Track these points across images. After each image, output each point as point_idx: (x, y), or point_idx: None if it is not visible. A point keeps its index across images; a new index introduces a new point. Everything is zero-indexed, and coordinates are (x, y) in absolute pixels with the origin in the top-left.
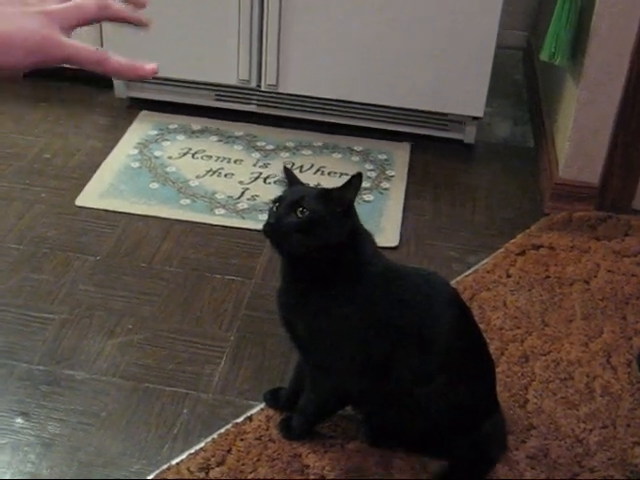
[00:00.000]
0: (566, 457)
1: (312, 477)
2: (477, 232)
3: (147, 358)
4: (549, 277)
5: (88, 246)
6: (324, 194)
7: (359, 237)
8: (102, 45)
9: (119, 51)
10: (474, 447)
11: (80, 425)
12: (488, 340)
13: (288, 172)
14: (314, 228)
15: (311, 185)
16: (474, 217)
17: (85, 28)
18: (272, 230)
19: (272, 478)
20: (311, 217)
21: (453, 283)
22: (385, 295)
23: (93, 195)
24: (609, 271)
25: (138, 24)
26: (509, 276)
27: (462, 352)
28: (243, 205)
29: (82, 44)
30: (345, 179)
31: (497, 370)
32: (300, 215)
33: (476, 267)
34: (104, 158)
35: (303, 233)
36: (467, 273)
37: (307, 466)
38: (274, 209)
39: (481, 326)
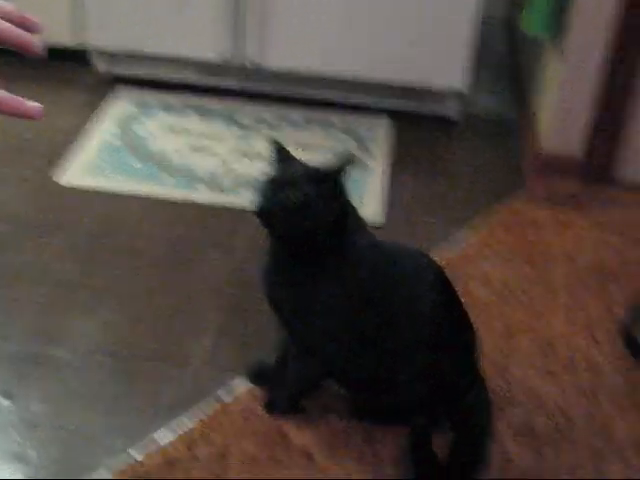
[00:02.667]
0: (549, 429)
1: (297, 452)
2: (460, 206)
3: (129, 335)
4: (532, 251)
5: (68, 224)
6: (315, 174)
7: (347, 215)
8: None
9: (99, 22)
10: (462, 421)
11: (63, 404)
12: (472, 315)
13: (277, 146)
14: (305, 210)
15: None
16: (456, 191)
17: None
18: (263, 212)
19: (256, 453)
20: (303, 199)
21: (437, 259)
22: (371, 272)
23: (73, 173)
24: (592, 244)
25: (26, 50)
26: (492, 250)
27: (446, 327)
28: (224, 181)
29: None
30: (326, 154)
31: (480, 343)
32: (292, 197)
33: (459, 242)
34: (84, 135)
35: (295, 215)
36: (450, 247)
37: (292, 441)
38: (265, 189)
39: (464, 300)
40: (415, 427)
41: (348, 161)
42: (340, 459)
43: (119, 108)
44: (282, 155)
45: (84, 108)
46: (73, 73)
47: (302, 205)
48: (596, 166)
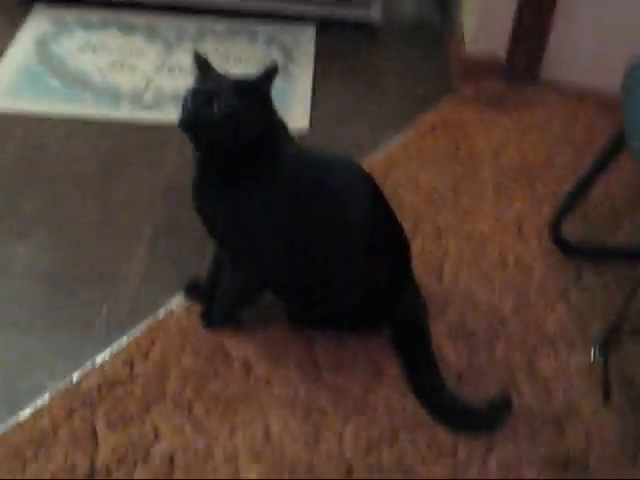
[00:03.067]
0: (483, 326)
1: (236, 364)
2: (386, 111)
3: (62, 259)
4: (459, 152)
5: None
6: (240, 85)
7: (275, 127)
8: None
9: None
10: (399, 326)
11: (0, 332)
12: (402, 218)
13: (199, 58)
14: (230, 121)
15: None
16: (383, 97)
17: None
18: (188, 125)
19: (196, 368)
20: (227, 111)
21: (365, 164)
22: (301, 182)
23: None
24: (518, 143)
25: None
26: (420, 153)
27: (378, 234)
28: (148, 97)
29: None
30: (251, 65)
31: (412, 247)
32: (216, 109)
33: (387, 147)
34: (0, 58)
35: (220, 127)
36: (378, 153)
37: (230, 353)
38: (189, 102)
39: (394, 204)
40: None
41: (272, 71)
42: (280, 367)
43: (35, 27)
44: (205, 67)
45: (0, 30)
46: None
47: (227, 117)
48: (520, 67)
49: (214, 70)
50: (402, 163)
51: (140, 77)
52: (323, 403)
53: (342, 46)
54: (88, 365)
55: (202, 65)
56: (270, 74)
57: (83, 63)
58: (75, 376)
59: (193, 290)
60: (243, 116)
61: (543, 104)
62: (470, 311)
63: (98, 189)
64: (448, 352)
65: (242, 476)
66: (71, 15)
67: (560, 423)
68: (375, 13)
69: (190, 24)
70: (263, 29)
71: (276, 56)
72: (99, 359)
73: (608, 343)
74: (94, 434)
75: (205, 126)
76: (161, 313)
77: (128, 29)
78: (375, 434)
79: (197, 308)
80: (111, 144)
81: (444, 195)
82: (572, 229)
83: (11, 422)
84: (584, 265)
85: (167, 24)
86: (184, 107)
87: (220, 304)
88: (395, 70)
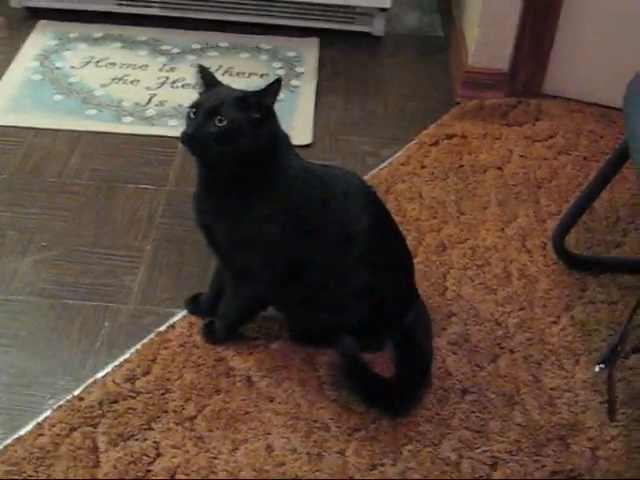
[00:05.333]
0: (486, 340)
1: (238, 379)
2: (390, 125)
3: (63, 274)
4: (463, 166)
5: None
6: (242, 100)
7: (278, 142)
8: None
9: None
10: (403, 338)
11: (0, 347)
12: (405, 232)
13: (204, 72)
14: (233, 136)
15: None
16: (386, 110)
17: None
18: (190, 140)
19: (197, 383)
20: (230, 126)
21: (368, 177)
22: (303, 197)
23: None
24: (521, 156)
25: None
26: (423, 167)
27: (380, 248)
28: (151, 111)
29: None
30: (254, 80)
31: (415, 261)
32: (218, 124)
33: (390, 160)
34: (3, 72)
35: (222, 142)
36: (382, 166)
37: (233, 368)
38: (191, 116)
39: (398, 218)
40: (343, 353)
41: (276, 86)
42: (282, 383)
43: (39, 42)
44: (209, 81)
45: (2, 44)
46: None
47: (227, 131)
48: (523, 79)
49: (220, 83)
50: (405, 176)
51: (143, 92)
52: (326, 419)
53: (345, 60)
54: (89, 381)
55: (207, 78)
56: (272, 89)
57: (86, 77)
58: (76, 392)
59: (195, 305)
60: (243, 130)
61: (547, 117)
62: (474, 325)
63: (100, 204)
64: (452, 366)
65: None
66: (74, 30)
67: (565, 438)
68: (378, 26)
69: (193, 39)
70: (266, 44)
71: (279, 70)
72: (100, 375)
73: (613, 357)
74: (95, 450)
75: (205, 141)
76: (163, 328)
77: (131, 44)
78: (378, 450)
79: (199, 323)
80: (113, 158)
81: (448, 208)
82: (576, 242)
83: (12, 438)
84: (588, 278)
85: (170, 39)
86: (186, 121)
87: (222, 320)
88: (398, 82)
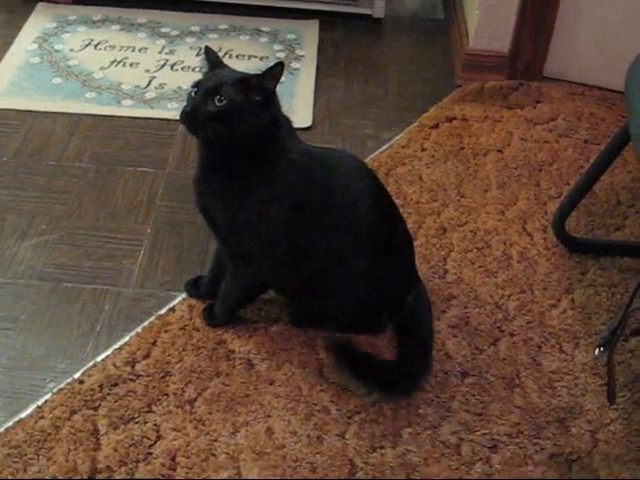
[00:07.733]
0: (486, 323)
1: (238, 362)
2: (390, 108)
3: (63, 257)
4: (463, 148)
5: None
6: (243, 82)
7: (279, 126)
8: None
9: None
10: (403, 320)
11: (1, 330)
12: (405, 215)
13: (209, 52)
14: (232, 117)
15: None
16: (387, 93)
17: None
18: (188, 118)
19: (197, 366)
20: (228, 106)
21: (368, 160)
22: (304, 180)
23: None
24: (522, 139)
25: None
26: (424, 150)
27: (381, 230)
28: (151, 94)
29: None
30: (254, 62)
31: (415, 244)
32: (217, 104)
33: (391, 143)
34: (2, 55)
35: (220, 122)
36: (382, 149)
37: (233, 351)
38: (192, 94)
39: (398, 201)
40: (328, 348)
41: (278, 69)
42: (282, 366)
43: (37, 25)
44: (214, 62)
45: (0, 27)
46: None
47: (226, 111)
48: (524, 61)
49: (224, 65)
50: (406, 159)
51: (142, 74)
52: (326, 402)
53: (346, 42)
54: (90, 364)
55: (213, 59)
56: (275, 72)
57: (85, 60)
58: (77, 375)
59: (195, 288)
60: (242, 113)
61: (547, 100)
62: (473, 307)
63: (100, 186)
64: (452, 348)
65: (244, 475)
66: (73, 12)
67: (564, 421)
68: (379, 8)
69: (192, 21)
70: (266, 26)
71: (279, 53)
72: (100, 358)
73: (613, 340)
74: (96, 433)
75: (203, 120)
76: (163, 311)
77: (130, 26)
78: (378, 433)
79: (199, 306)
80: (113, 141)
81: (448, 191)
82: (577, 225)
83: (12, 421)
84: (589, 261)
85: (169, 21)
86: (187, 99)
87: (222, 303)
88: (399, 65)
